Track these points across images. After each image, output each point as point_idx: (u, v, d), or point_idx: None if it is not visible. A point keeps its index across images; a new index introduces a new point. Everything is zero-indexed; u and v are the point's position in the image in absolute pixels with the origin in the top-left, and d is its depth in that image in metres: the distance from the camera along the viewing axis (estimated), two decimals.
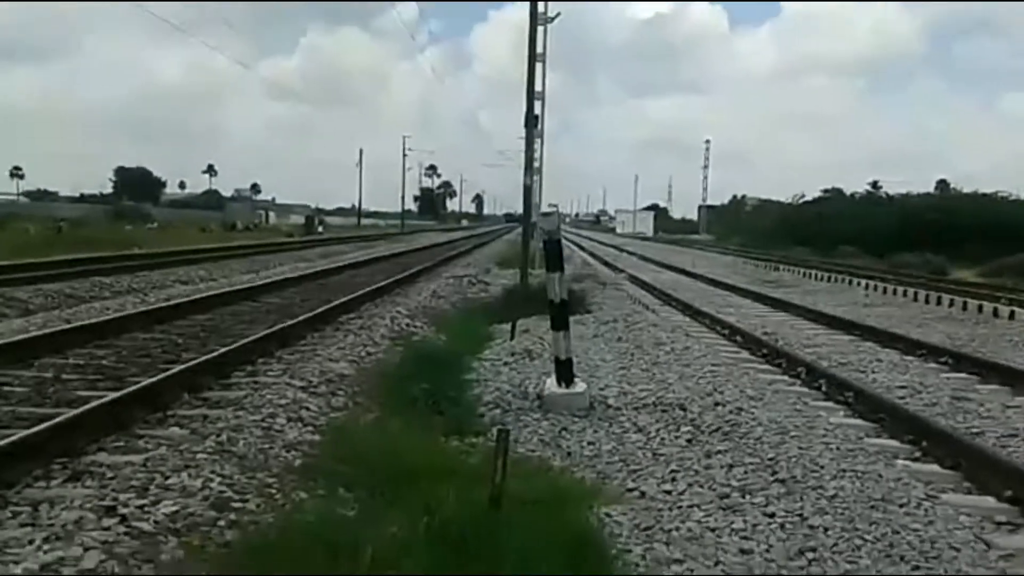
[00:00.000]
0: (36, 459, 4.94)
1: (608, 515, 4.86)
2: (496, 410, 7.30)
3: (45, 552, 3.73)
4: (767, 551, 4.28)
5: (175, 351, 9.27)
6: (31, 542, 3.84)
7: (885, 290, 21.58)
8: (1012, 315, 15.61)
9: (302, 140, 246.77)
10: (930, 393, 8.48)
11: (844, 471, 5.41)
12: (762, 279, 26.68)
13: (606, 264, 32.89)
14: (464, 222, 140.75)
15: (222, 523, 4.28)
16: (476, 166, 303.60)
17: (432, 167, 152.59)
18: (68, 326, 10.25)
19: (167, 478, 4.76)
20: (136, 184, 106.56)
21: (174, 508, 4.31)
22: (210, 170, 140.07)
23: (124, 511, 4.19)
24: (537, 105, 19.51)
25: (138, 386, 6.73)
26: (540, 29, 19.56)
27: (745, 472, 5.52)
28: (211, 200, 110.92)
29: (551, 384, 7.47)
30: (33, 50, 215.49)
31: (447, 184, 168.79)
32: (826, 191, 65.27)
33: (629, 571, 4.12)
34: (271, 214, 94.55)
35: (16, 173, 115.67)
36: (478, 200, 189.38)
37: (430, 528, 4.05)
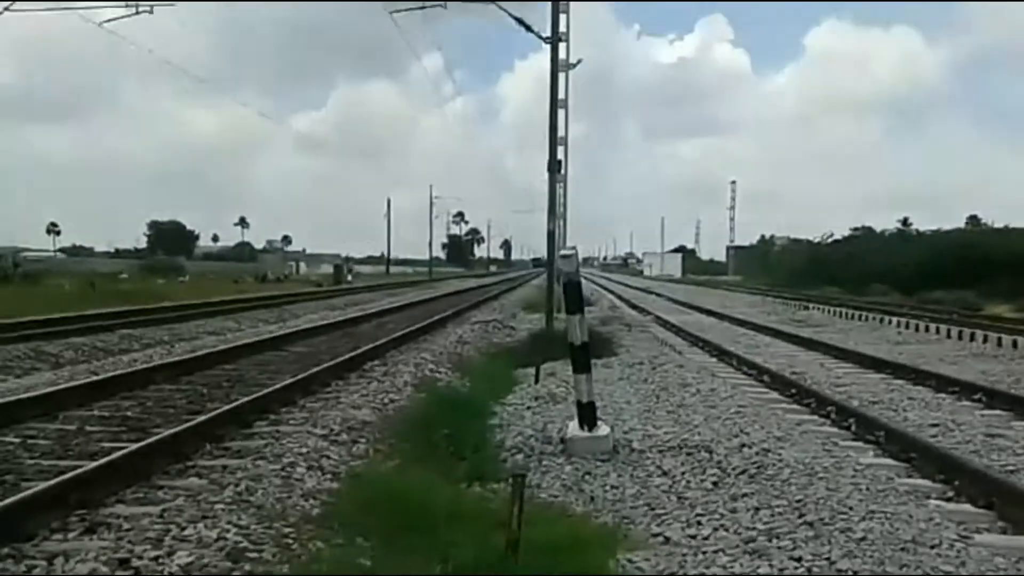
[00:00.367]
0: (55, 512, 4.93)
1: (630, 561, 4.77)
2: (519, 455, 7.22)
3: None
4: None
5: (199, 401, 9.30)
6: None
7: (917, 327, 21.25)
8: None
9: (332, 191, 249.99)
10: (963, 431, 8.28)
11: (873, 512, 5.27)
12: (791, 318, 26.43)
13: (633, 307, 32.75)
14: (492, 268, 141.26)
15: (237, 574, 4.24)
16: (504, 212, 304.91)
17: (460, 214, 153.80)
18: (95, 378, 10.34)
19: (183, 529, 4.73)
20: (170, 238, 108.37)
21: (189, 559, 4.27)
22: (242, 222, 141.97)
23: (138, 563, 4.17)
24: (560, 150, 19.65)
25: (159, 437, 6.75)
26: (562, 75, 19.75)
27: (772, 515, 5.39)
28: (243, 252, 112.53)
29: (574, 427, 7.38)
30: (66, 107, 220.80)
31: (475, 231, 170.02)
32: (856, 229, 64.89)
33: None
34: (302, 264, 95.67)
35: (52, 229, 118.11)
36: (506, 246, 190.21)
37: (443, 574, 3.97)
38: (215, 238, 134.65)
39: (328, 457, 6.75)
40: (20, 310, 19.80)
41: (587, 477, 6.58)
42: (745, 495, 5.86)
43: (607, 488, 6.31)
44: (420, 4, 19.28)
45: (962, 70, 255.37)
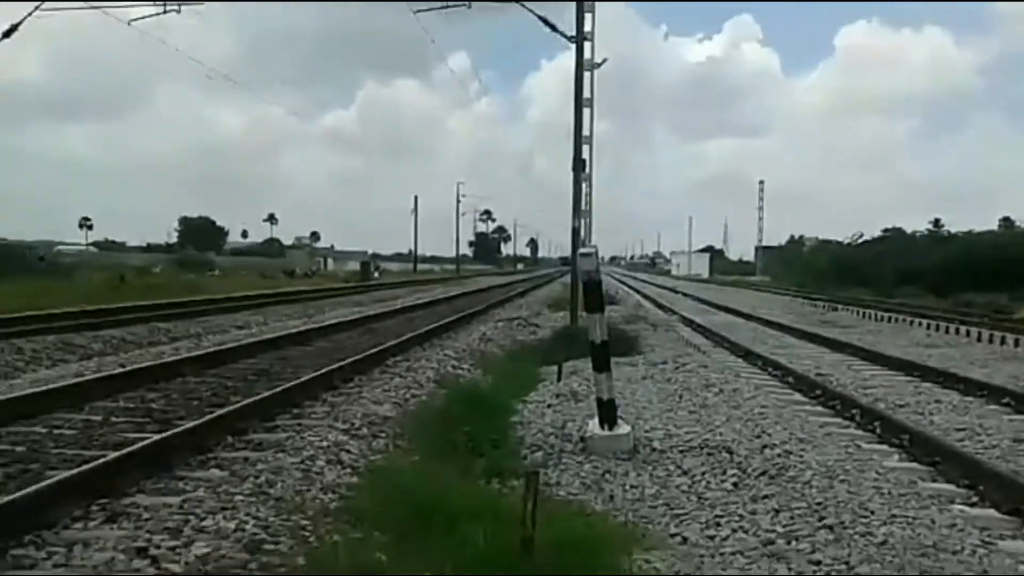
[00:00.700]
0: (77, 500, 4.99)
1: (647, 561, 4.75)
2: (538, 453, 7.21)
3: None
4: None
5: (224, 394, 9.37)
6: None
7: (947, 330, 20.96)
8: None
9: (360, 188, 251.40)
10: (990, 436, 8.16)
11: (895, 516, 5.20)
12: (819, 320, 26.16)
13: (659, 306, 32.59)
14: (519, 266, 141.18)
15: (253, 565, 4.27)
16: (531, 211, 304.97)
17: (487, 212, 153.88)
18: (121, 370, 10.46)
19: (202, 520, 4.78)
20: (200, 233, 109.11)
21: (206, 550, 4.31)
22: (271, 219, 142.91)
23: (155, 552, 4.21)
24: (585, 149, 19.55)
25: (182, 428, 6.81)
26: (587, 75, 19.64)
27: (791, 517, 5.34)
28: (272, 248, 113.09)
29: (594, 426, 7.35)
30: (98, 105, 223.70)
31: (502, 229, 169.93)
32: (886, 230, 63.99)
33: None
34: (329, 261, 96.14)
35: (85, 224, 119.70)
36: (533, 244, 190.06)
37: (457, 571, 3.97)
38: (244, 234, 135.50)
39: (348, 451, 6.79)
40: (52, 303, 20.11)
41: (606, 476, 6.55)
42: (765, 496, 5.81)
43: (626, 487, 6.28)
44: (443, 4, 19.26)
45: (993, 70, 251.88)
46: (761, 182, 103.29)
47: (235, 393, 9.41)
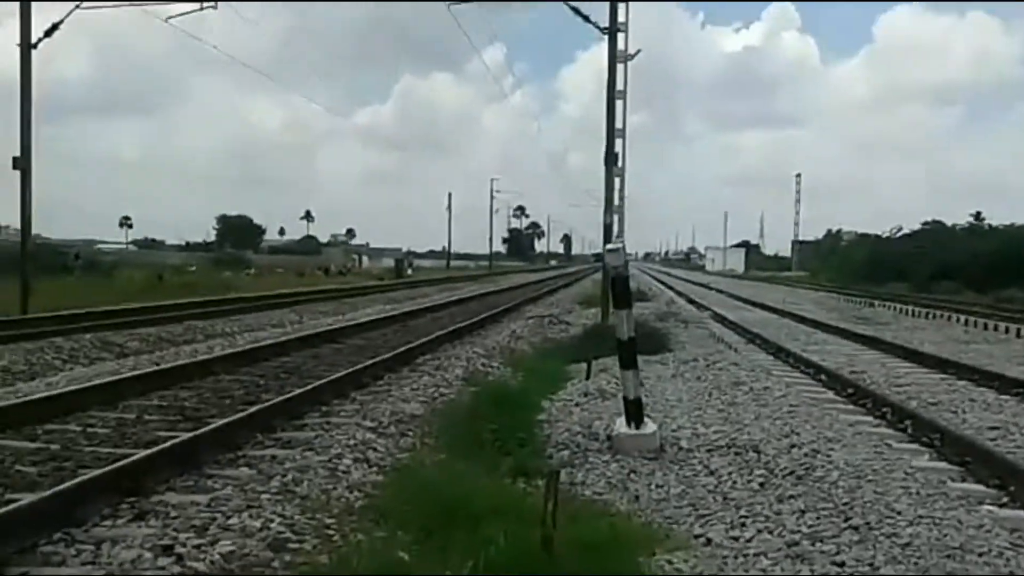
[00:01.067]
0: (107, 498, 5.09)
1: (669, 562, 4.73)
2: (564, 451, 7.21)
3: None
4: None
5: (255, 392, 9.49)
6: None
7: (986, 326, 20.62)
8: None
9: (395, 185, 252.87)
10: None
11: (922, 517, 5.14)
12: (855, 316, 25.86)
13: (692, 302, 32.41)
14: (553, 263, 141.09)
15: (277, 564, 4.33)
16: (564, 207, 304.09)
17: (520, 208, 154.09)
18: (155, 368, 10.63)
19: (228, 518, 4.86)
20: (238, 231, 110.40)
21: (231, 548, 4.38)
22: (307, 216, 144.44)
23: (181, 550, 4.29)
24: (618, 143, 19.47)
25: (212, 426, 6.92)
26: (620, 66, 19.56)
27: (817, 518, 5.29)
28: (309, 245, 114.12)
29: (620, 425, 7.33)
30: (136, 103, 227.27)
31: (535, 225, 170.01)
32: (926, 223, 62.89)
33: None
34: (364, 258, 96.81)
35: (125, 222, 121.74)
36: (566, 240, 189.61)
37: (476, 571, 4.00)
38: (281, 231, 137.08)
39: (375, 450, 6.85)
40: (91, 301, 20.48)
41: (632, 475, 6.53)
42: (791, 497, 5.77)
43: (652, 487, 6.26)
44: None
45: None
46: (798, 175, 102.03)
47: (266, 391, 9.52)
